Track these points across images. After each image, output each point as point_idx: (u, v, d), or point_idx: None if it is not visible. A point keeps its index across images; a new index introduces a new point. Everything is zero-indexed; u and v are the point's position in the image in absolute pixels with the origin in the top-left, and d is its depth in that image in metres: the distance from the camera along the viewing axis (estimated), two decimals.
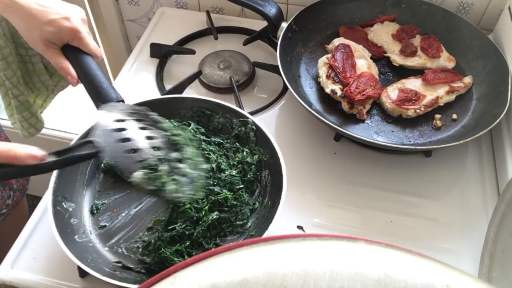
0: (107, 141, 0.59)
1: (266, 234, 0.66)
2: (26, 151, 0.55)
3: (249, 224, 0.74)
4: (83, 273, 0.69)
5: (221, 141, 0.83)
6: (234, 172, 0.77)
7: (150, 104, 0.82)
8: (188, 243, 0.70)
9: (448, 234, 0.77)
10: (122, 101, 0.80)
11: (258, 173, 0.79)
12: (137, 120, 0.64)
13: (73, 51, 0.79)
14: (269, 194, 0.76)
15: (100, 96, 0.78)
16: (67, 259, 0.62)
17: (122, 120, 0.62)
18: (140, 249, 0.71)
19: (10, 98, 0.99)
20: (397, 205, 0.81)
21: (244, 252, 0.31)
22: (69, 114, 1.55)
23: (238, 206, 0.74)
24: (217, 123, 0.84)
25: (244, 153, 0.79)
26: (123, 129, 0.62)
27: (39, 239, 0.75)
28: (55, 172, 0.71)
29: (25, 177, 1.03)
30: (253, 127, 0.80)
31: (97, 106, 0.79)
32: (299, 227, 0.78)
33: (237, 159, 0.79)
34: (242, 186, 0.76)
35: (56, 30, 0.75)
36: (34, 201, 1.52)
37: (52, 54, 0.78)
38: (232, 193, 0.75)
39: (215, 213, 0.72)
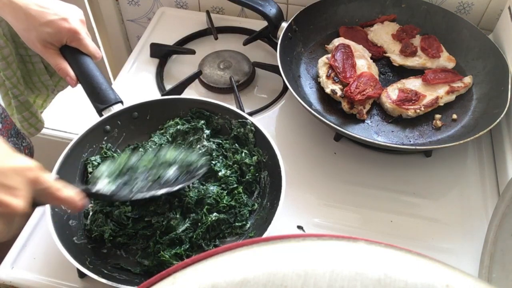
0: None
1: (265, 235, 0.66)
2: (67, 195, 0.55)
3: (248, 225, 0.74)
4: (82, 274, 0.69)
5: (220, 141, 0.82)
6: (228, 172, 0.77)
7: (148, 105, 0.82)
8: (187, 246, 0.70)
9: (448, 234, 0.77)
10: (121, 102, 0.80)
11: (257, 174, 0.78)
12: None
13: (72, 52, 0.79)
14: (268, 196, 0.76)
15: (99, 97, 0.78)
16: (67, 259, 0.62)
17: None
18: (139, 252, 0.70)
19: (10, 98, 0.99)
20: (397, 205, 0.81)
21: (244, 252, 0.31)
22: (69, 114, 1.55)
23: (237, 208, 0.74)
24: (216, 124, 0.84)
25: (243, 154, 0.79)
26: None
27: (39, 239, 0.75)
28: (53, 174, 0.71)
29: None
30: (252, 128, 0.79)
31: (96, 107, 0.78)
32: (299, 227, 0.78)
33: (234, 159, 0.79)
34: (236, 185, 0.76)
35: (54, 31, 0.75)
36: None
37: (51, 55, 0.78)
38: (226, 192, 0.75)
39: (214, 214, 0.72)
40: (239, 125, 0.81)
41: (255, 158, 0.79)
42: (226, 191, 0.75)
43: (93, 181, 0.68)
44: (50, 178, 0.53)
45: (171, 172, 0.71)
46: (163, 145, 0.80)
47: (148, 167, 0.71)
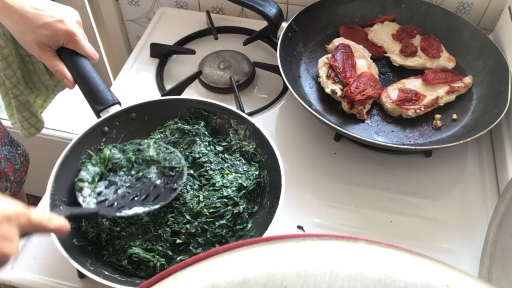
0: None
1: (265, 235, 0.66)
2: (56, 224, 0.56)
3: (249, 226, 0.73)
4: (82, 274, 0.69)
5: (220, 149, 0.82)
6: (228, 183, 0.75)
7: (146, 106, 0.82)
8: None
9: (448, 234, 0.77)
10: (119, 103, 0.80)
11: (258, 179, 0.78)
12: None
13: (69, 53, 0.79)
14: (268, 195, 0.76)
15: (97, 99, 0.78)
16: (67, 260, 0.62)
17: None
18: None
19: (10, 98, 0.99)
20: (397, 205, 0.81)
21: (244, 252, 0.31)
22: (69, 114, 1.55)
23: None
24: (215, 124, 0.84)
25: (239, 174, 0.77)
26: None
27: (39, 239, 0.75)
28: (52, 176, 0.70)
29: (22, 169, 1.03)
30: (250, 127, 0.79)
31: (94, 109, 0.78)
32: (299, 227, 0.78)
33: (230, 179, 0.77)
34: (237, 200, 0.74)
35: (51, 33, 0.75)
36: (34, 201, 1.52)
37: (47, 57, 0.77)
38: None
39: (217, 223, 0.71)
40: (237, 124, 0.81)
41: (255, 173, 0.77)
42: (225, 199, 0.73)
43: (78, 187, 0.70)
44: (38, 215, 0.54)
45: (153, 173, 0.74)
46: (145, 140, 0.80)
47: (132, 161, 0.75)
